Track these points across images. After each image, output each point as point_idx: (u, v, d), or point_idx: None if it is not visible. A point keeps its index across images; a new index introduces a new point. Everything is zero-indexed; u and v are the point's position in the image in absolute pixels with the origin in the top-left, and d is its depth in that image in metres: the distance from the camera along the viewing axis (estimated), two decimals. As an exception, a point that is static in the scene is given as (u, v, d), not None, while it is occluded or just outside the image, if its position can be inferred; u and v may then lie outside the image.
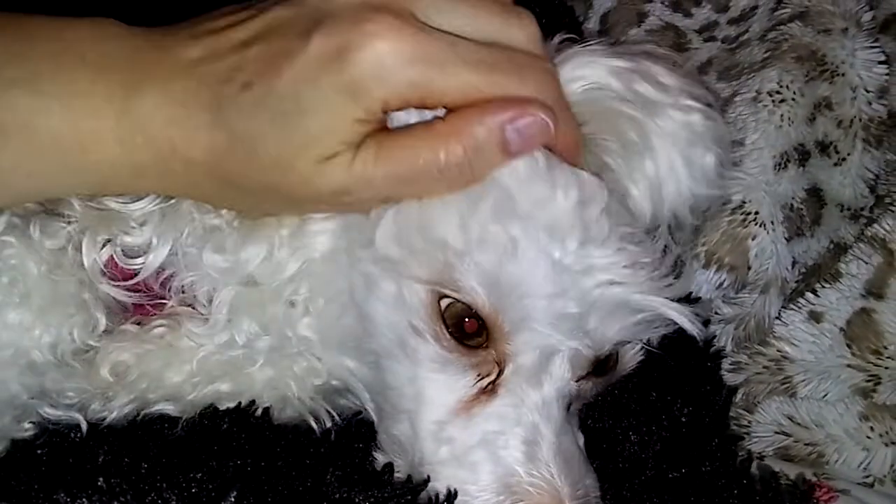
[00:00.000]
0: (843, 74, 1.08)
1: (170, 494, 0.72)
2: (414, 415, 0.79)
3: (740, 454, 0.95)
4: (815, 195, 1.10)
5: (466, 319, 0.76)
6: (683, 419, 0.92)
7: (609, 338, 0.79)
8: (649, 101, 0.80)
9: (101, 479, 0.72)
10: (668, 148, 0.80)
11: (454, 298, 0.75)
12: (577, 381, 0.80)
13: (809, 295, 1.05)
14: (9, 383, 0.79)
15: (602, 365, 0.83)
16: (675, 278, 0.79)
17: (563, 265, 0.73)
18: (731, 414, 1.04)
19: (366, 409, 0.86)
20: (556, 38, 0.84)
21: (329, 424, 0.86)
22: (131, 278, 0.83)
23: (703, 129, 0.82)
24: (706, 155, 0.82)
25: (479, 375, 0.78)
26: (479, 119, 0.69)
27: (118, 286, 0.82)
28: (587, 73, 0.80)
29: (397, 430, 0.81)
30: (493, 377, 0.78)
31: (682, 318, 0.79)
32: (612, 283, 0.75)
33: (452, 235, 0.73)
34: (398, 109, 0.70)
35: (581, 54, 0.81)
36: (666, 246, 0.83)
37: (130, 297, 0.84)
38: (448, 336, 0.77)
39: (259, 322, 0.83)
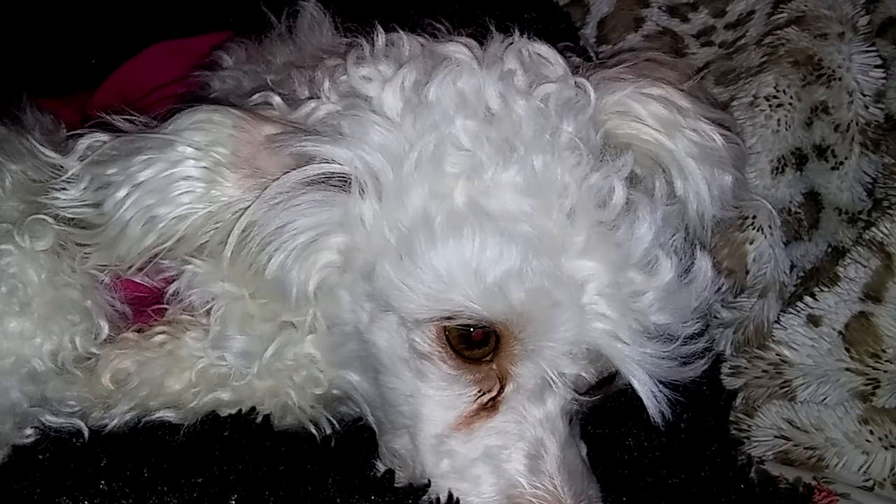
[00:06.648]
0: (839, 79, 1.09)
1: (171, 498, 0.72)
2: (413, 430, 0.80)
3: (740, 459, 0.95)
4: (813, 199, 1.11)
5: (472, 329, 0.76)
6: (683, 424, 0.92)
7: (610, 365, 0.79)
8: (672, 124, 0.82)
9: (102, 482, 0.72)
10: (692, 171, 0.82)
11: (466, 325, 0.75)
12: (578, 396, 0.81)
13: (808, 299, 1.05)
14: (10, 392, 0.80)
15: (602, 379, 0.83)
16: (684, 364, 0.77)
17: (584, 310, 0.73)
18: (730, 418, 1.05)
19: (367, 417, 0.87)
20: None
21: (329, 431, 0.87)
22: (132, 287, 0.83)
23: (723, 153, 0.84)
24: (724, 177, 0.84)
25: (479, 391, 0.78)
26: None
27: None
28: (616, 99, 0.82)
29: (397, 444, 0.82)
30: (493, 393, 0.78)
31: (652, 402, 0.76)
32: (616, 338, 0.75)
33: (466, 277, 0.73)
34: None
35: (609, 80, 0.83)
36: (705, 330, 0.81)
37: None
38: (453, 354, 0.77)
39: (259, 336, 0.83)
